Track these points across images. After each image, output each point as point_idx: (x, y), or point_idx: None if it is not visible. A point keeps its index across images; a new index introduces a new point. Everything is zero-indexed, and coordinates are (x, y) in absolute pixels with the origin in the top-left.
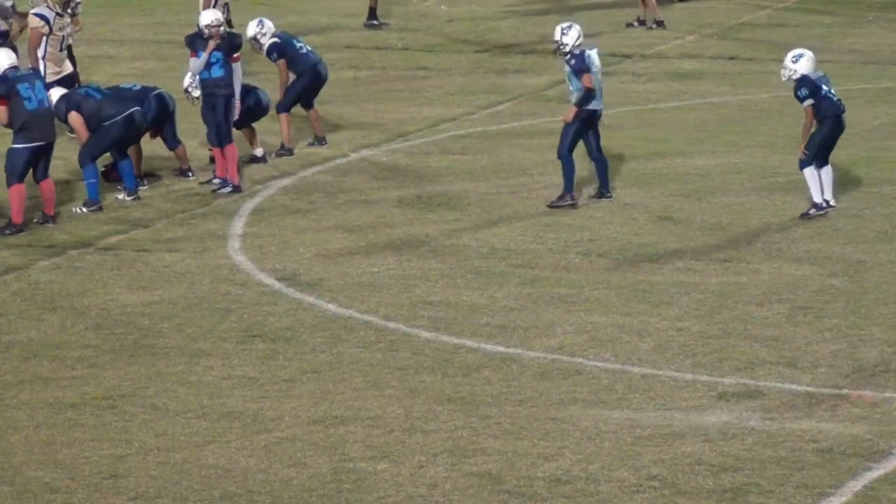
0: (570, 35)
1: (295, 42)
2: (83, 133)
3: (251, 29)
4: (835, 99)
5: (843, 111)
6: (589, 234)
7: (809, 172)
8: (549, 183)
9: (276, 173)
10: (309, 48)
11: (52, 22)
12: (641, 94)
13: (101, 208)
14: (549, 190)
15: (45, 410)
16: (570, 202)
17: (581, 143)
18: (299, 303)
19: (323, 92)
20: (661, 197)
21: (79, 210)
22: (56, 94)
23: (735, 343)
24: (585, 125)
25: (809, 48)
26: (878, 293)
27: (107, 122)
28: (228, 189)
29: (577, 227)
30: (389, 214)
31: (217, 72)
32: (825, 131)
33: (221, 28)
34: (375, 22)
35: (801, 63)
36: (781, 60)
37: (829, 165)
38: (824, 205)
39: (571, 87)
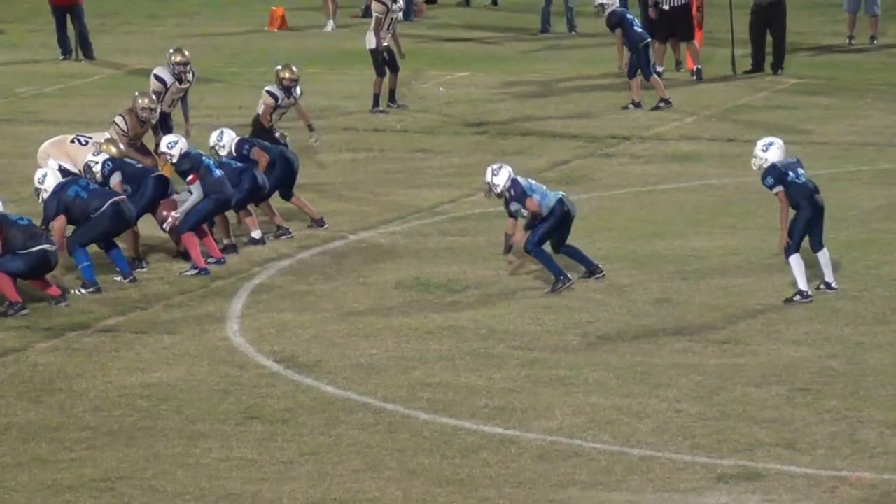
0: (500, 176)
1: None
2: (60, 237)
3: (211, 139)
4: (804, 182)
5: (817, 192)
6: (587, 315)
7: (795, 260)
8: None
9: (274, 255)
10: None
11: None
12: (640, 176)
13: (99, 289)
14: (548, 272)
15: (42, 493)
16: (566, 283)
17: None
18: (298, 384)
19: (321, 173)
20: (660, 279)
21: (78, 292)
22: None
23: (734, 425)
24: (559, 225)
25: (807, 130)
26: (877, 375)
27: (94, 215)
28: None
29: (576, 308)
30: (388, 296)
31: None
32: (804, 215)
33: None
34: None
35: (771, 151)
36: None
37: (825, 248)
38: (809, 293)
39: (525, 214)
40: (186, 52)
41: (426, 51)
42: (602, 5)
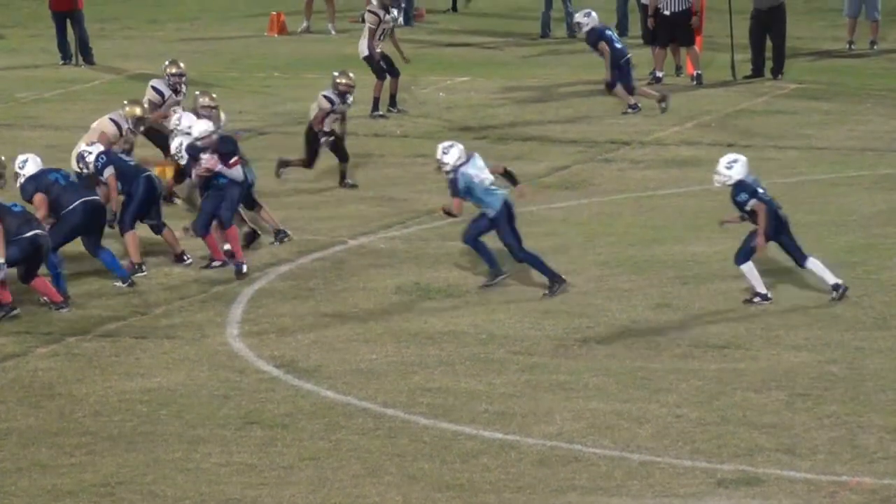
0: (450, 154)
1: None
2: (44, 212)
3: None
4: (769, 199)
5: (780, 208)
6: (587, 320)
7: (747, 268)
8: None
9: (273, 260)
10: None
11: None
12: (639, 181)
13: (66, 304)
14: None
15: (43, 498)
16: (500, 277)
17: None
18: (298, 389)
19: (320, 178)
20: (660, 284)
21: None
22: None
23: (734, 430)
24: (504, 224)
25: (807, 135)
26: (877, 380)
27: (64, 211)
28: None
29: (576, 313)
30: (387, 301)
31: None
32: (771, 234)
33: (214, 136)
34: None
35: (735, 169)
36: (780, 147)
37: (810, 256)
38: (769, 295)
39: (471, 199)
40: (182, 64)
41: (426, 56)
42: (579, 24)
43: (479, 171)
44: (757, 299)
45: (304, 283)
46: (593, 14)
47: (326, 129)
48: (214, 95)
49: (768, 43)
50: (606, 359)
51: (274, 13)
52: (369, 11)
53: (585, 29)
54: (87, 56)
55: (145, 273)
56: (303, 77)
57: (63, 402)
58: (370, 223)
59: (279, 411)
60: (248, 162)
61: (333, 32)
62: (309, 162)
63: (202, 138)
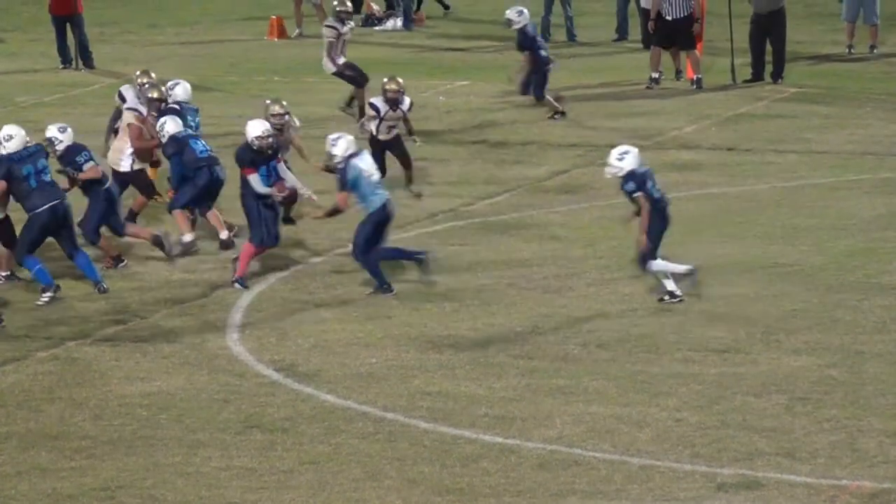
0: (339, 146)
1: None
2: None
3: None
4: (660, 196)
5: (667, 205)
6: (587, 324)
7: (657, 265)
8: (549, 274)
9: (273, 264)
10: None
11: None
12: None
13: (58, 287)
14: (549, 281)
15: (42, 502)
16: (388, 291)
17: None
18: (297, 393)
19: (320, 182)
20: (660, 288)
21: (41, 300)
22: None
23: (734, 434)
24: (379, 228)
25: (807, 139)
26: (877, 384)
27: (31, 213)
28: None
29: (576, 317)
30: (387, 305)
31: (272, 180)
32: (657, 227)
33: (271, 139)
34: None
35: (626, 160)
36: (780, 151)
37: (659, 258)
38: (678, 293)
39: (356, 194)
40: (153, 74)
41: (426, 60)
42: (510, 20)
43: (368, 167)
44: (667, 298)
45: (304, 287)
46: (525, 13)
47: (382, 137)
48: (285, 103)
49: (768, 47)
50: (606, 363)
51: (274, 17)
52: (327, 26)
53: (516, 27)
54: (86, 60)
55: (124, 264)
56: (303, 81)
57: (63, 406)
58: None
59: (279, 415)
60: (217, 161)
61: (298, 31)
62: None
63: (261, 137)
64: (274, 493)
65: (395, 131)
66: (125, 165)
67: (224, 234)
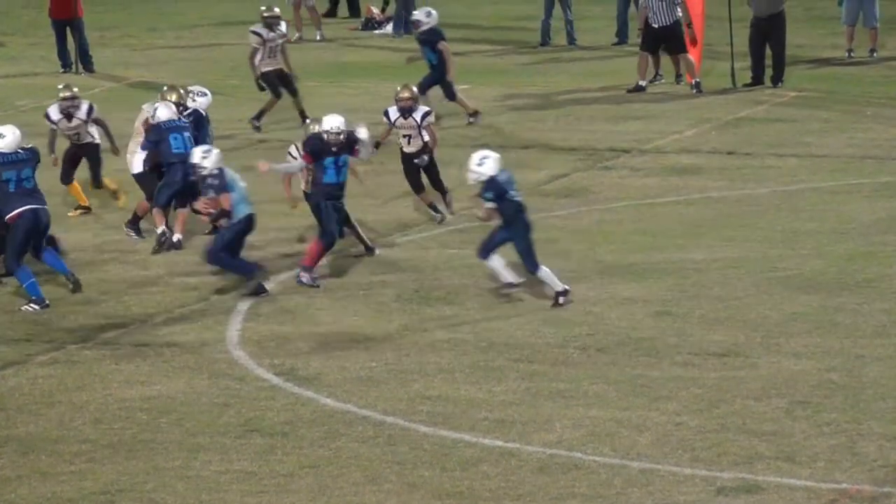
0: (209, 159)
1: None
2: None
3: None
4: (518, 200)
5: (524, 210)
6: (587, 328)
7: (493, 262)
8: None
9: (273, 268)
10: None
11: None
12: (639, 189)
13: (48, 305)
14: (548, 284)
15: None
16: (259, 274)
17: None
18: (297, 397)
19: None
20: (660, 291)
21: (28, 308)
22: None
23: (733, 438)
24: (239, 237)
25: (807, 143)
26: (877, 388)
27: (9, 221)
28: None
29: (576, 321)
30: (387, 309)
31: (341, 176)
32: (512, 231)
33: (342, 136)
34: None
35: (486, 166)
36: (780, 155)
37: (541, 266)
38: (514, 281)
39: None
40: (75, 88)
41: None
42: (417, 21)
43: (238, 179)
44: (506, 289)
45: (303, 291)
46: (434, 14)
47: (406, 149)
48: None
49: (768, 51)
50: (606, 366)
51: None
52: (252, 32)
53: (424, 28)
54: (86, 64)
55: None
56: (303, 85)
57: (63, 409)
58: (370, 231)
59: (279, 419)
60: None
61: (319, 38)
62: (416, 189)
63: (330, 132)
64: (274, 497)
65: (417, 143)
66: (137, 167)
67: (175, 236)
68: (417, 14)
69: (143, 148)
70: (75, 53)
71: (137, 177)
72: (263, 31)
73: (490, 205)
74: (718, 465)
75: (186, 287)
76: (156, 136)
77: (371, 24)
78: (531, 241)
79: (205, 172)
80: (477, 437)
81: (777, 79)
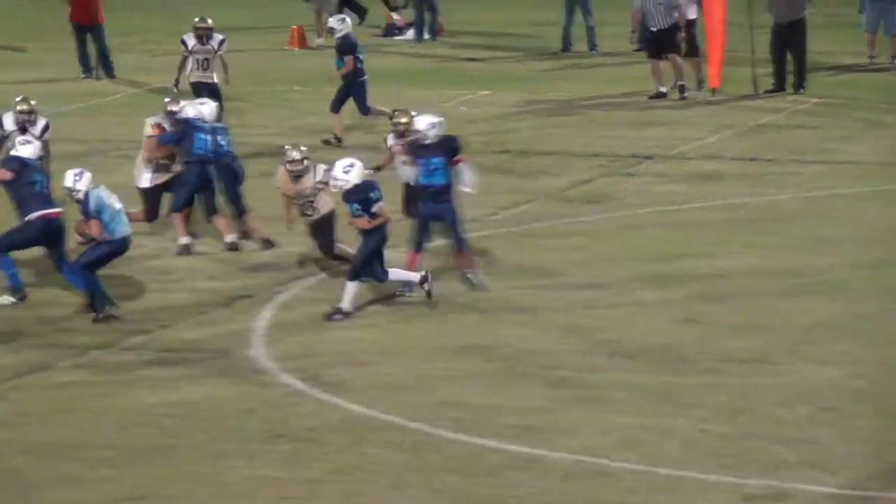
0: (81, 182)
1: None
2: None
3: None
4: (377, 209)
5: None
6: (613, 335)
7: (395, 273)
8: (573, 284)
9: (297, 273)
10: None
11: None
12: (663, 195)
13: (24, 297)
14: (573, 291)
15: None
16: (111, 309)
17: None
18: (323, 403)
19: None
20: (685, 298)
21: (5, 300)
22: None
23: (760, 444)
24: (110, 256)
25: (829, 149)
26: None
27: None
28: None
29: (601, 328)
30: (412, 315)
31: (440, 178)
32: (374, 243)
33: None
34: None
35: (352, 173)
36: (802, 162)
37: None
38: (349, 311)
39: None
40: (33, 101)
41: (448, 69)
42: (332, 29)
43: (108, 197)
44: (338, 316)
45: (328, 296)
46: (348, 20)
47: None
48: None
49: (789, 57)
50: (632, 373)
51: (294, 27)
52: (181, 41)
53: (339, 35)
54: (107, 69)
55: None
56: (323, 91)
57: (87, 415)
58: (392, 237)
59: (305, 425)
60: (212, 161)
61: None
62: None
63: (422, 131)
64: (300, 503)
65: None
66: (144, 182)
67: (230, 238)
68: (332, 21)
69: (165, 141)
70: (96, 59)
71: (144, 191)
72: (189, 42)
73: (360, 216)
74: (745, 472)
75: (211, 292)
76: (182, 131)
77: (392, 30)
78: (380, 250)
79: (77, 196)
80: (502, 444)
81: (798, 85)
